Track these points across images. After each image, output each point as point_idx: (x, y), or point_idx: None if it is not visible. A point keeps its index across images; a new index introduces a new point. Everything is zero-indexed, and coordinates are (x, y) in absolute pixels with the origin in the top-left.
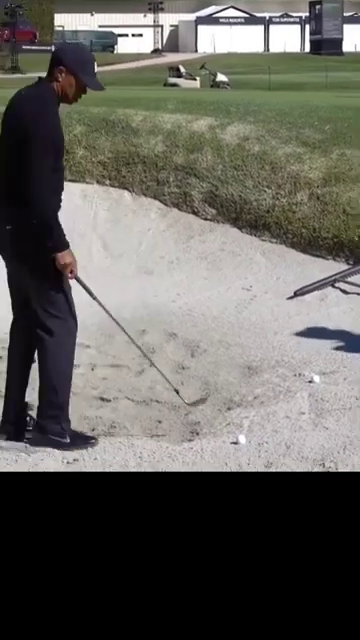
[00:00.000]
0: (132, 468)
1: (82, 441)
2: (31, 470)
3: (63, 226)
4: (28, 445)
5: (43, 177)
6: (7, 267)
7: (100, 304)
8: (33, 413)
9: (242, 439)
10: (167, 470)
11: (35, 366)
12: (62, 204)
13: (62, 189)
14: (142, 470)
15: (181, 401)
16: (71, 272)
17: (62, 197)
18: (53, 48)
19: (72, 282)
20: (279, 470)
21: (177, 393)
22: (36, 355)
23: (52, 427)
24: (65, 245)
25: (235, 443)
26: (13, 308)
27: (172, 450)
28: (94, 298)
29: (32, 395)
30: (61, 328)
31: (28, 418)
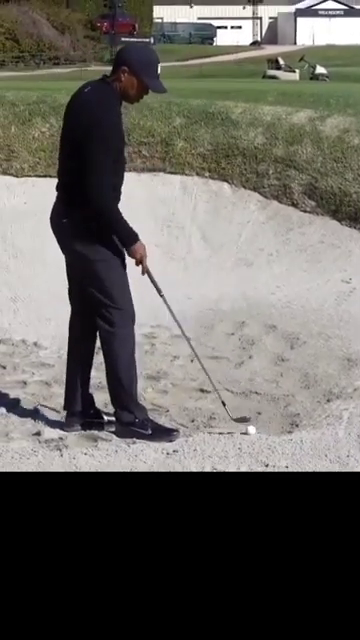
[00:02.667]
0: (232, 459)
1: (163, 434)
2: (131, 460)
3: (163, 217)
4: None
5: (103, 178)
6: (66, 260)
7: (165, 301)
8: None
9: (252, 430)
10: (267, 462)
11: None
12: (161, 195)
13: (121, 185)
14: (242, 460)
15: (281, 393)
16: (141, 262)
17: (122, 191)
18: (152, 40)
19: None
20: None
21: (224, 406)
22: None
23: (126, 417)
24: (135, 238)
25: (245, 433)
26: (70, 299)
27: (272, 441)
28: (160, 294)
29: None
30: (120, 319)
31: (92, 411)
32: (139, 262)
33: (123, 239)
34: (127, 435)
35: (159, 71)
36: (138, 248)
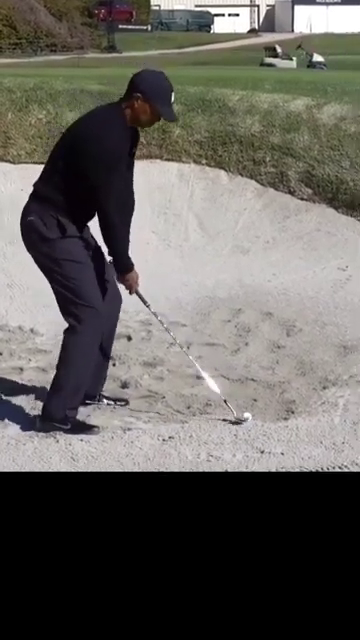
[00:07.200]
0: (227, 445)
1: (82, 428)
2: (127, 446)
3: (160, 204)
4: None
5: (111, 204)
6: (33, 258)
7: (152, 312)
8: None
9: (247, 416)
10: (263, 448)
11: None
12: (158, 183)
13: (130, 214)
14: (238, 447)
15: (277, 380)
16: (130, 288)
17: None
18: (149, 28)
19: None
20: None
21: (225, 403)
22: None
23: (55, 412)
24: (130, 267)
25: (241, 421)
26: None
27: (267, 428)
28: (147, 306)
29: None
30: (89, 317)
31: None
32: (127, 288)
33: (120, 268)
34: (47, 429)
35: (172, 99)
36: (130, 277)
